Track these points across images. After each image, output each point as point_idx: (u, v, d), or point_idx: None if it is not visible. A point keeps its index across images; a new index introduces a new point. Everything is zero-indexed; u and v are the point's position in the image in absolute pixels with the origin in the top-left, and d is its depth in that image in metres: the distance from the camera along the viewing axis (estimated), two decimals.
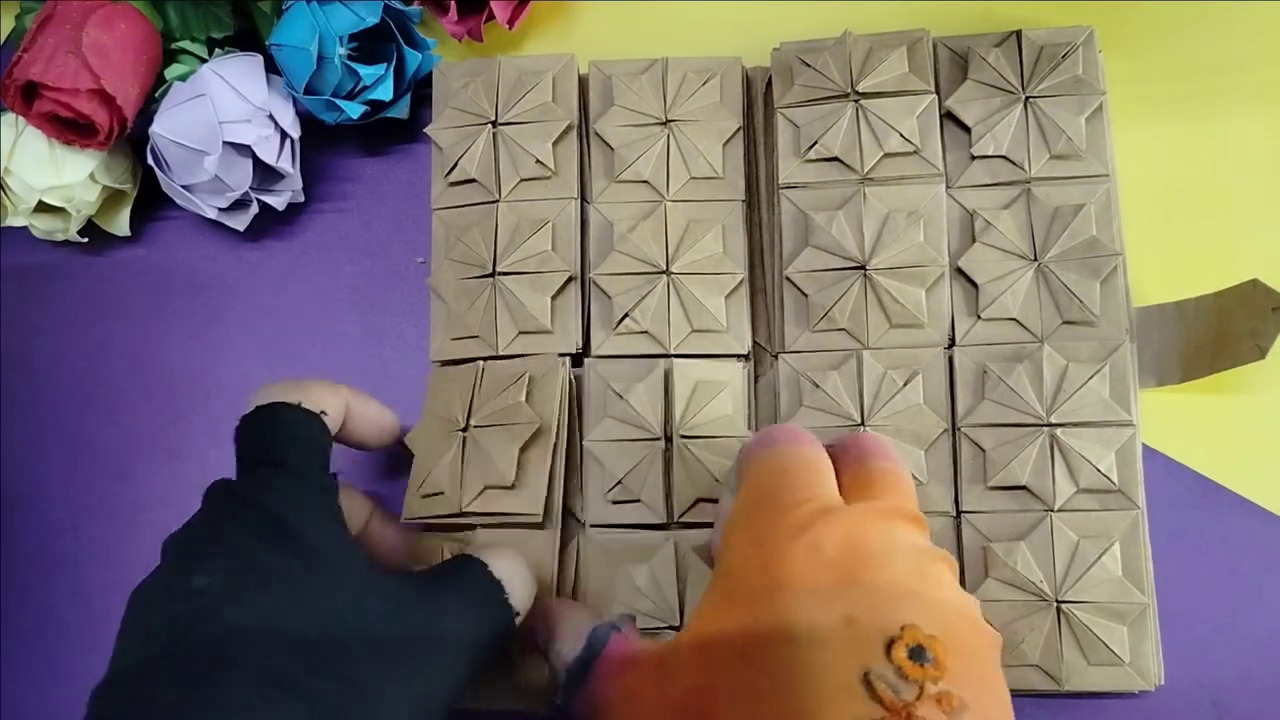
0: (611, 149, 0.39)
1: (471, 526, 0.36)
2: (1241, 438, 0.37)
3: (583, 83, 0.40)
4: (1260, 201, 0.39)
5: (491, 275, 0.38)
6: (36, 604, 0.40)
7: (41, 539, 0.41)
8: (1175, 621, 0.36)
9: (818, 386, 0.37)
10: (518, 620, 0.30)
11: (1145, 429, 0.36)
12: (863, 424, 0.36)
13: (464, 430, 0.36)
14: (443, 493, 0.36)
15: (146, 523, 0.40)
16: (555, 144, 0.39)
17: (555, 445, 0.36)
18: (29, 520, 0.41)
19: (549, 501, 0.36)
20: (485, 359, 0.38)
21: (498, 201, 0.39)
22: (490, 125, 0.39)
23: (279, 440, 0.30)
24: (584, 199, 0.40)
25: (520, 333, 0.38)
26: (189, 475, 0.41)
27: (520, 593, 0.30)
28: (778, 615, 0.24)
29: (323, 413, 0.31)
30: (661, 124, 0.39)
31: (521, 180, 0.39)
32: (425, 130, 0.40)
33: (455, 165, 0.39)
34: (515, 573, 0.30)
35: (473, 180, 0.39)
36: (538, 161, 0.39)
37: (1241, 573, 0.36)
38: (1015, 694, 0.35)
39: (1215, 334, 0.36)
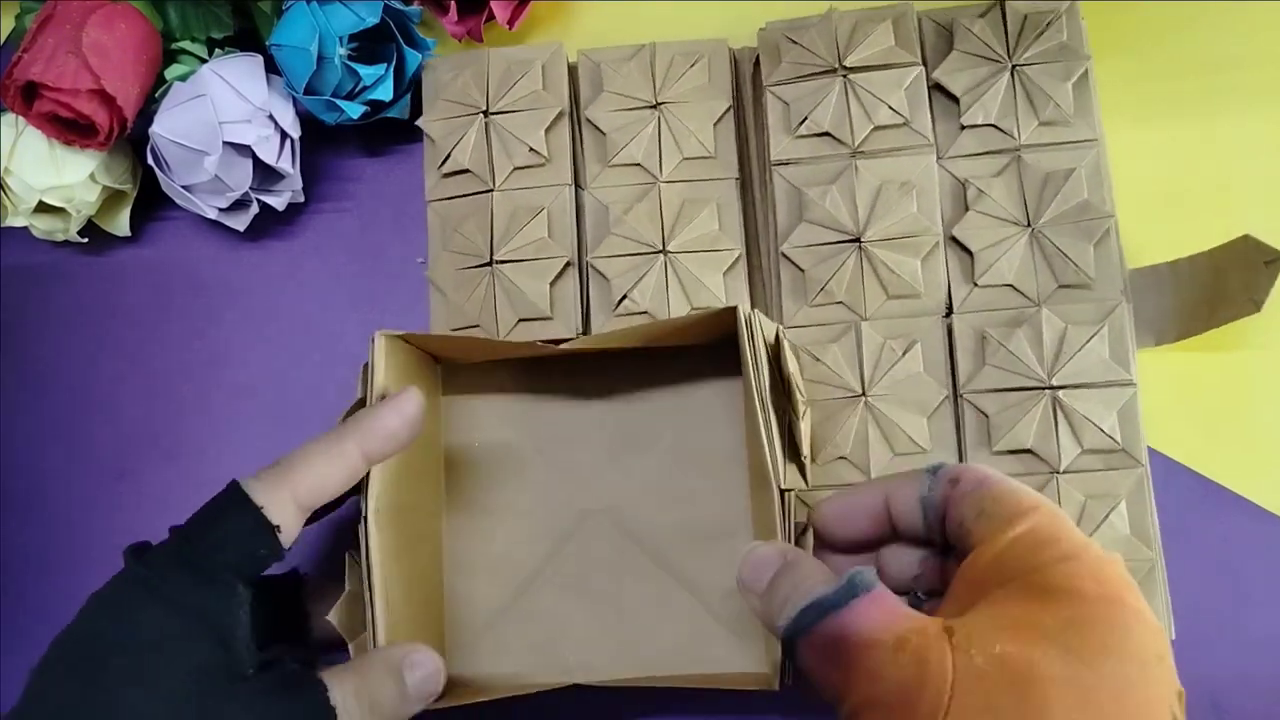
0: (603, 134, 0.39)
1: None
2: (1243, 440, 0.38)
3: (572, 71, 0.41)
4: (1260, 200, 0.39)
5: (489, 264, 0.38)
6: (36, 604, 0.40)
7: (41, 539, 0.40)
8: (1177, 621, 0.35)
9: (818, 360, 0.37)
10: None
11: (1147, 431, 0.36)
12: (864, 394, 0.36)
13: None
14: None
15: (146, 523, 0.40)
16: (548, 131, 0.39)
17: None
18: (29, 520, 0.40)
19: None
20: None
21: (492, 191, 0.39)
22: (482, 115, 0.40)
23: (212, 535, 0.29)
24: (578, 185, 0.40)
25: (520, 320, 0.38)
26: (189, 475, 0.41)
27: None
28: (1115, 626, 0.24)
29: (277, 527, 0.29)
30: (652, 107, 0.39)
31: (515, 169, 0.39)
32: (417, 123, 0.40)
33: (448, 156, 0.40)
34: (356, 702, 0.28)
35: (466, 171, 0.40)
36: (531, 150, 0.39)
37: (1242, 574, 0.37)
38: None
39: (1210, 291, 0.36)
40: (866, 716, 0.25)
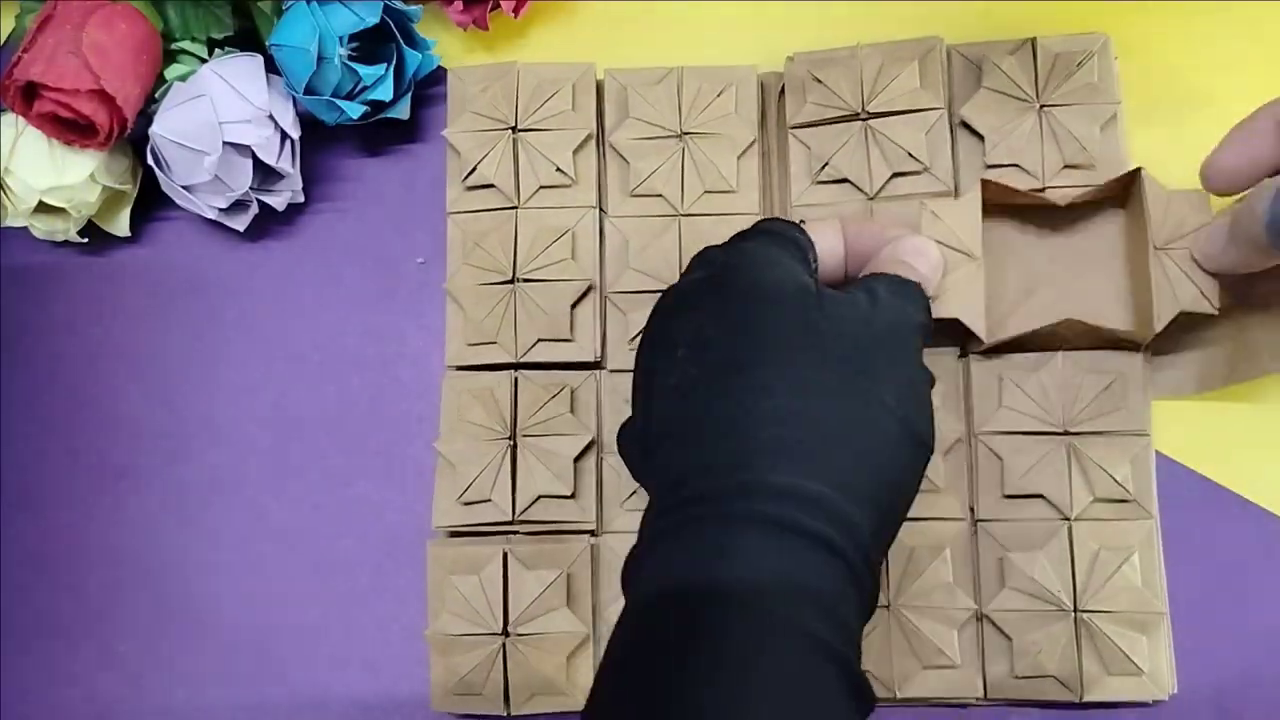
0: (627, 162, 0.39)
1: (515, 533, 0.37)
2: (1248, 442, 0.37)
3: (598, 90, 0.40)
4: None
5: (512, 281, 0.38)
6: (36, 604, 0.40)
7: (41, 539, 0.41)
8: (1181, 626, 0.35)
9: None
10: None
11: (1152, 434, 0.36)
12: None
13: (509, 439, 0.37)
14: (490, 500, 0.37)
15: (146, 523, 0.41)
16: (575, 152, 0.39)
17: (600, 457, 0.37)
18: (29, 520, 0.41)
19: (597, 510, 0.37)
20: (505, 366, 0.38)
21: (517, 208, 0.39)
22: (510, 131, 0.39)
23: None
24: (601, 209, 0.40)
25: (540, 339, 0.38)
26: (189, 475, 0.41)
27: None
28: None
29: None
30: (676, 136, 0.39)
31: (541, 187, 0.39)
32: (443, 134, 0.40)
33: (474, 169, 0.39)
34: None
35: (491, 186, 0.39)
36: (558, 169, 0.39)
37: (1248, 577, 0.36)
38: (1028, 704, 0.35)
39: (1232, 346, 0.36)
40: None
